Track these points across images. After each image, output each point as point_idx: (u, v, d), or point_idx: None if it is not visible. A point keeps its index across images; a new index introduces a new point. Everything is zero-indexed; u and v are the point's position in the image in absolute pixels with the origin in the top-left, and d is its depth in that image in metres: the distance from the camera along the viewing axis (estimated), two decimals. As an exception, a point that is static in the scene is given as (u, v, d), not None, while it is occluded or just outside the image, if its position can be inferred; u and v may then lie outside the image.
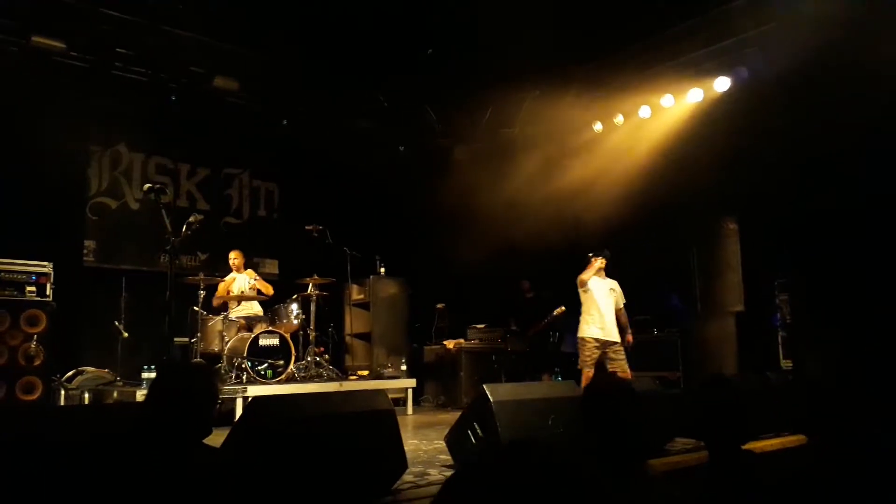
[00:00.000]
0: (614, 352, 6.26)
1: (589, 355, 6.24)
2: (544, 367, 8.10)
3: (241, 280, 7.43)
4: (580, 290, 6.48)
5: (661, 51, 7.10)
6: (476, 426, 4.05)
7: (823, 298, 6.37)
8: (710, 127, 7.09)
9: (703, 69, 7.11)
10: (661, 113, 7.50)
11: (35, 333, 6.33)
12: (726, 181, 6.96)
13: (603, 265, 6.45)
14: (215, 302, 7.26)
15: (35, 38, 6.47)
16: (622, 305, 6.51)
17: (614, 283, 6.56)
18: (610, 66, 7.28)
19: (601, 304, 6.34)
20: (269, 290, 7.46)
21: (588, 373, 6.18)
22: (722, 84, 7.03)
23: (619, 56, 7.18)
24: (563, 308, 7.81)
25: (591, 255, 6.49)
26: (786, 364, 6.95)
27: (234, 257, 7.48)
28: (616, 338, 6.32)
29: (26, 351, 6.27)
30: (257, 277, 7.49)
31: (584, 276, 6.44)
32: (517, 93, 8.07)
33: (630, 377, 6.02)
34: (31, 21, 6.45)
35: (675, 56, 7.13)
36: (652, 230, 7.34)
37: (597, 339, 6.26)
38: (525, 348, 8.31)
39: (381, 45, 7.11)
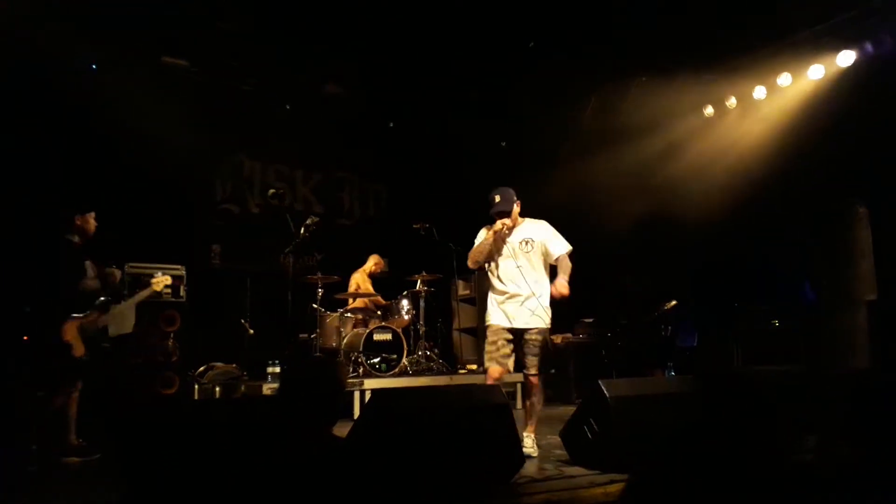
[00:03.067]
0: (525, 340, 4.41)
1: (491, 341, 4.42)
2: (656, 363, 7.89)
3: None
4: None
5: (776, 26, 6.73)
6: (592, 422, 4.01)
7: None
8: (833, 105, 6.65)
9: (822, 44, 6.68)
10: (778, 93, 7.11)
11: (171, 332, 6.86)
12: (853, 162, 6.51)
13: (511, 224, 4.46)
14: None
15: (164, 58, 7.02)
16: (558, 255, 4.52)
17: (535, 228, 4.57)
18: (720, 47, 6.97)
19: (499, 271, 4.48)
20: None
21: (491, 370, 4.37)
22: (845, 59, 6.58)
23: (730, 35, 6.86)
24: (675, 301, 7.60)
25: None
26: (926, 357, 6.42)
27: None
28: (527, 321, 4.40)
29: (165, 348, 6.81)
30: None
31: (469, 260, 4.58)
32: (622, 80, 7.89)
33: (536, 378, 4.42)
34: (160, 42, 7.00)
35: (792, 31, 6.74)
36: (773, 217, 6.97)
37: (498, 326, 4.43)
38: (635, 343, 8.13)
39: (481, 41, 7.17)
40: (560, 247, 4.58)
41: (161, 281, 5.31)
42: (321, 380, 2.88)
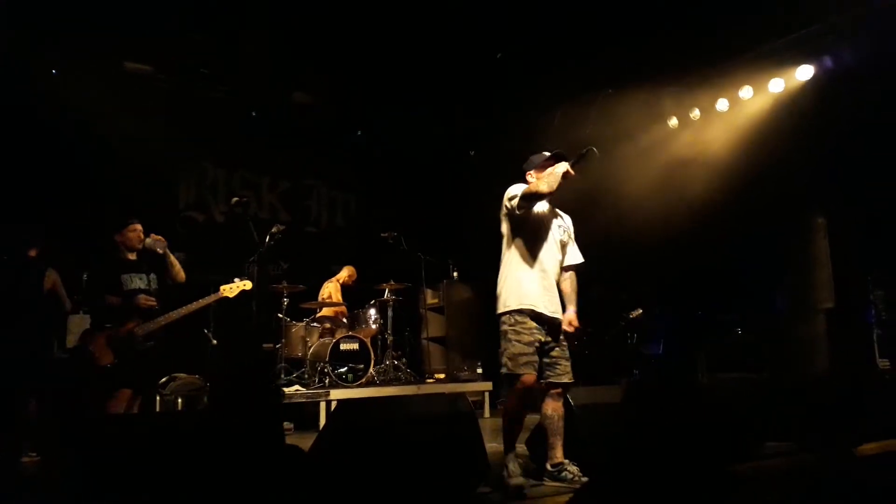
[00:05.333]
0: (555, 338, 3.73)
1: (527, 341, 3.58)
2: (623, 371, 7.96)
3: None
4: (510, 211, 3.70)
5: (738, 40, 6.88)
6: (557, 430, 4.03)
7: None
8: (792, 118, 6.81)
9: (783, 58, 6.85)
10: (740, 105, 7.27)
11: (133, 342, 6.69)
12: (812, 174, 6.67)
13: (571, 175, 3.55)
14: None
15: (127, 64, 6.91)
16: (574, 264, 3.89)
17: (569, 221, 3.98)
18: (684, 60, 7.10)
19: (543, 250, 3.72)
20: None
21: (528, 377, 3.58)
22: (804, 73, 6.76)
23: (694, 49, 6.99)
24: (641, 310, 7.68)
25: (546, 153, 3.77)
26: (882, 364, 6.58)
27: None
28: (558, 308, 3.75)
29: (125, 358, 6.65)
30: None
31: (539, 184, 3.55)
32: (588, 92, 7.98)
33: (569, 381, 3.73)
34: (123, 48, 6.89)
35: (754, 45, 6.90)
36: (734, 227, 7.10)
37: (535, 312, 3.63)
38: (602, 351, 8.18)
39: (451, 52, 7.19)
40: (578, 255, 3.92)
41: (237, 287, 5.26)
42: (246, 388, 2.85)
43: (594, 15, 6.32)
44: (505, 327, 3.68)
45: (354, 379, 6.70)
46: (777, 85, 6.95)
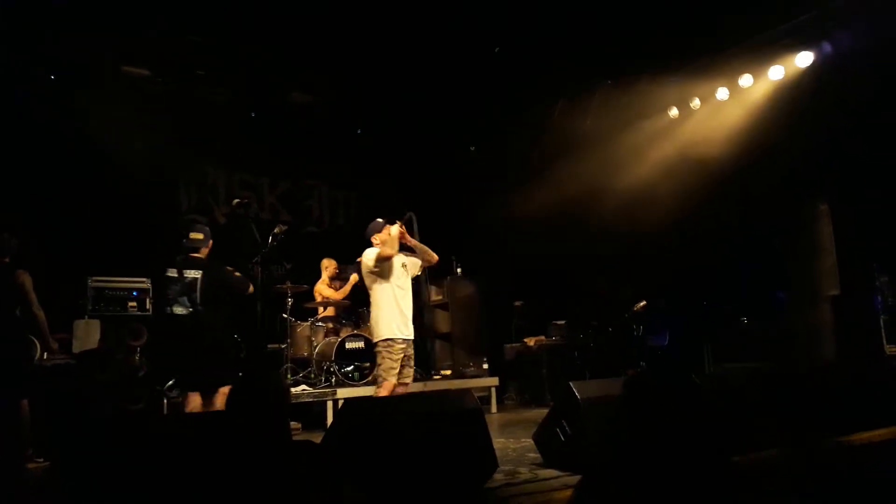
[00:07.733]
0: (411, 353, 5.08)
1: (396, 360, 4.90)
2: (629, 363, 7.95)
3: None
4: (371, 270, 5.00)
5: (737, 28, 6.85)
6: (564, 424, 4.02)
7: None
8: (793, 105, 6.78)
9: (782, 45, 6.81)
10: (741, 94, 7.23)
11: (138, 346, 6.71)
12: (813, 161, 6.64)
13: (401, 233, 5.07)
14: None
15: (125, 68, 6.90)
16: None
17: (407, 258, 5.22)
18: (683, 49, 7.07)
19: (396, 290, 5.03)
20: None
21: (389, 385, 4.87)
22: (804, 59, 6.73)
23: (693, 37, 6.97)
24: (645, 302, 7.68)
25: (381, 220, 5.19)
26: (890, 350, 6.56)
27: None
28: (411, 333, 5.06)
29: (131, 363, 6.66)
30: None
31: (385, 249, 4.92)
32: (588, 84, 7.95)
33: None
34: (121, 52, 6.88)
35: (752, 33, 6.86)
36: (737, 216, 7.08)
37: (404, 340, 4.98)
38: (607, 344, 8.18)
39: (449, 47, 7.17)
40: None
41: None
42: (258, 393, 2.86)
43: (591, 6, 6.29)
44: (379, 349, 4.94)
45: (361, 377, 6.70)
46: (777, 72, 6.92)
